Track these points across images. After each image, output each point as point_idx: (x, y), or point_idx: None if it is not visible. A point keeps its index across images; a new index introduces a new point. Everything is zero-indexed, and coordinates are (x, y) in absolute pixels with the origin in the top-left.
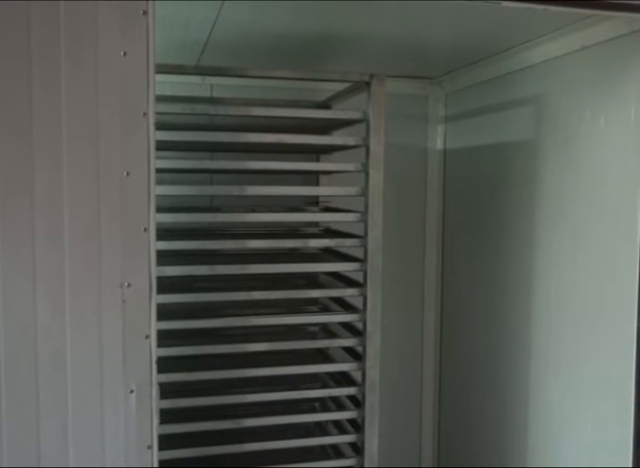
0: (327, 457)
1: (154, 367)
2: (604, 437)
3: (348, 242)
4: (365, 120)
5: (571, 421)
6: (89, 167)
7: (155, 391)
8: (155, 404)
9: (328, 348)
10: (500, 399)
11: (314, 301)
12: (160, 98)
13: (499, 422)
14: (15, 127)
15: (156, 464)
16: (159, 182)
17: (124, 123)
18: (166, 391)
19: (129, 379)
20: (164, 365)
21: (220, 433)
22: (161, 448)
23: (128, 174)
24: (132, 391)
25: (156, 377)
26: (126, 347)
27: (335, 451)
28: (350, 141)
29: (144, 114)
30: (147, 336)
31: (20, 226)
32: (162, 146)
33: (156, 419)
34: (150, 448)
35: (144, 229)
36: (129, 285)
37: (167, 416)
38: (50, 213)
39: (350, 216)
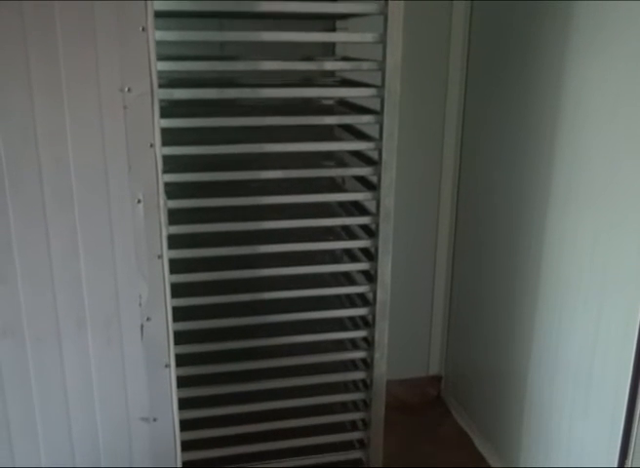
0: (340, 284)
1: (161, 177)
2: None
3: (365, 65)
4: None
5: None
6: None
7: (163, 201)
8: (164, 215)
9: (343, 181)
10: (514, 255)
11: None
12: None
13: (510, 279)
14: None
15: (167, 274)
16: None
17: None
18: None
19: (135, 189)
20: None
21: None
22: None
23: None
24: (139, 201)
25: (163, 187)
26: (130, 155)
27: (348, 280)
28: None
29: None
30: (152, 145)
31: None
32: None
33: (165, 230)
34: (160, 257)
35: (142, 29)
36: (129, 89)
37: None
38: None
39: (368, 37)
